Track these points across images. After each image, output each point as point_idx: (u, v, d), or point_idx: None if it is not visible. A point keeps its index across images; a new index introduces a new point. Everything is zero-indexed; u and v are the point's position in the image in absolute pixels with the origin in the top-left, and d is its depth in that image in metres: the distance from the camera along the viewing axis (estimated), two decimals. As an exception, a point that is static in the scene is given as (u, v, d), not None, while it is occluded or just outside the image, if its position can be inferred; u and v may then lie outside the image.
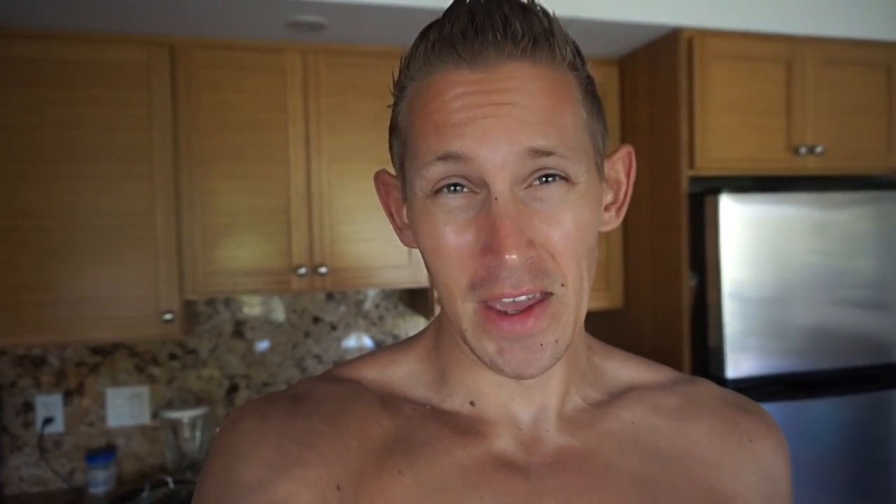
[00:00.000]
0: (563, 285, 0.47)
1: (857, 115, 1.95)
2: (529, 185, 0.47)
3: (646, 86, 1.96)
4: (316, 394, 0.53)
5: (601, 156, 0.52)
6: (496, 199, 0.45)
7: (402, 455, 0.50)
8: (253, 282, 1.80)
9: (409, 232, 0.55)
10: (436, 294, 0.55)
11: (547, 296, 0.47)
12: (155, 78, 1.71)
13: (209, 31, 1.73)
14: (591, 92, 0.51)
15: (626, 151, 0.56)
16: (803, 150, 1.87)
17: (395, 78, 0.52)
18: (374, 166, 2.00)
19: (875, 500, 1.82)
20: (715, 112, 1.80)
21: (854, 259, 1.82)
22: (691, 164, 1.80)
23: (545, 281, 0.46)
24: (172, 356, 2.03)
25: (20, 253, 1.63)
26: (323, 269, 1.82)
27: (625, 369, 0.61)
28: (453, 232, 0.47)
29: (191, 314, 1.91)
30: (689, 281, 1.81)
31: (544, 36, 0.47)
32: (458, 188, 0.47)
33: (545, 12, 0.48)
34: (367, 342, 2.20)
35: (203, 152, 1.76)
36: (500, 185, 0.45)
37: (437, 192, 0.47)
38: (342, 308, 2.18)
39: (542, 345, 0.47)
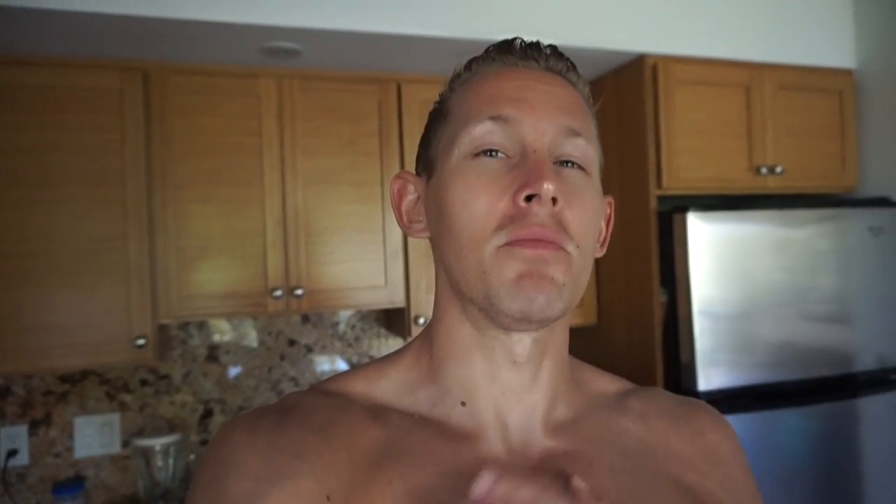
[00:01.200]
0: (578, 247, 0.52)
1: (814, 138, 2.04)
2: (556, 163, 0.53)
3: (614, 109, 2.03)
4: (304, 406, 0.53)
5: (601, 175, 0.60)
6: (534, 151, 0.52)
7: (392, 464, 0.51)
8: (228, 304, 1.78)
9: (419, 224, 0.60)
10: (446, 260, 0.56)
11: (562, 249, 0.51)
12: (128, 103, 1.70)
13: (183, 57, 1.74)
14: (597, 128, 0.60)
15: (607, 202, 0.62)
16: (764, 169, 1.95)
17: (447, 84, 0.61)
18: (350, 189, 2.01)
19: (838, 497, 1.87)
20: (680, 134, 1.87)
21: (816, 275, 1.89)
22: (659, 184, 1.86)
23: (563, 237, 0.51)
24: (144, 382, 1.99)
25: (-12, 279, 1.59)
26: (299, 291, 1.81)
27: (594, 380, 0.65)
28: (487, 182, 0.52)
29: (164, 339, 1.88)
30: (660, 297, 1.85)
31: (572, 68, 0.59)
32: (494, 153, 0.53)
33: (571, 61, 0.60)
34: (342, 365, 2.19)
35: (177, 176, 1.75)
36: (538, 143, 0.52)
37: (475, 155, 0.53)
38: (318, 330, 2.17)
39: (553, 279, 0.50)
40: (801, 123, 2.01)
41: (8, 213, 1.61)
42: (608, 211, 0.62)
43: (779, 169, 1.95)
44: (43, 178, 1.63)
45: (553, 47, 0.59)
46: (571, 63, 0.59)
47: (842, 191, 2.11)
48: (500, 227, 0.50)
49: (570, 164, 0.54)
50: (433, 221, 0.57)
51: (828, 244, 1.91)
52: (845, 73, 2.08)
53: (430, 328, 0.60)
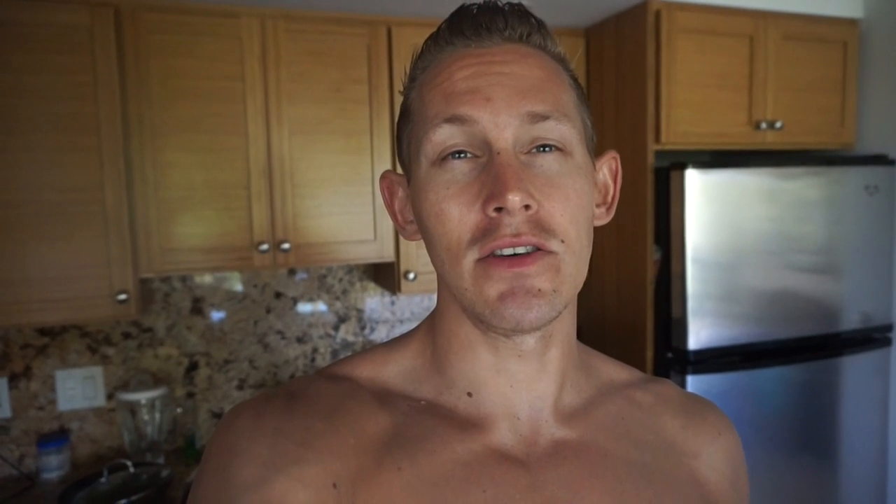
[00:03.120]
0: (563, 241, 0.49)
1: (814, 91, 1.99)
2: (528, 153, 0.50)
3: (612, 58, 1.95)
4: (311, 392, 0.53)
5: (591, 143, 0.56)
6: (498, 153, 0.48)
7: (401, 451, 0.50)
8: (212, 259, 1.73)
9: (412, 226, 0.58)
10: (435, 267, 0.54)
11: (546, 252, 0.48)
12: (99, 42, 1.59)
13: (158, -8, 1.62)
14: (578, 87, 0.56)
15: (611, 156, 0.60)
16: (763, 125, 1.90)
17: (407, 73, 0.57)
18: (338, 138, 1.93)
19: (819, 455, 1.93)
20: (681, 86, 1.80)
21: (804, 224, 1.87)
22: (657, 139, 1.81)
23: (544, 235, 0.48)
24: (127, 335, 1.95)
25: (-44, 232, 1.51)
26: (286, 245, 1.76)
27: (604, 366, 0.64)
28: (456, 192, 0.49)
29: (146, 292, 1.83)
30: (653, 255, 1.83)
31: (537, 29, 0.53)
32: (461, 155, 0.50)
33: (537, 18, 0.55)
34: (323, 308, 2.16)
35: (155, 123, 1.66)
36: (502, 143, 0.49)
37: (443, 159, 0.50)
38: (304, 283, 2.13)
39: (540, 290, 0.47)
40: (803, 76, 1.96)
41: (-26, 161, 1.52)
42: (614, 166, 0.60)
43: (778, 124, 1.91)
44: (10, 124, 1.53)
45: (513, 5, 0.53)
46: (536, 20, 0.54)
47: (839, 147, 2.07)
48: (473, 241, 0.48)
49: (545, 148, 0.50)
50: (418, 224, 0.55)
51: (819, 195, 1.88)
52: (851, 22, 2.01)
53: (434, 318, 0.58)
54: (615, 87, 1.94)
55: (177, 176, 1.68)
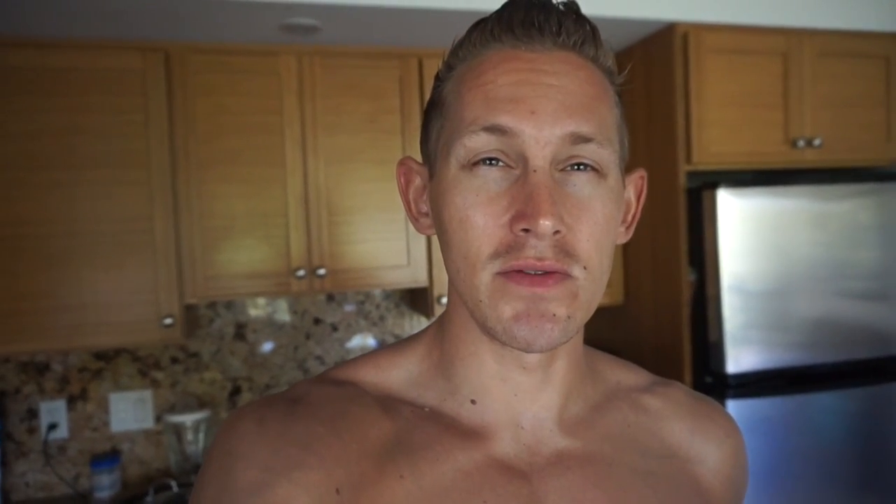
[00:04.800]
0: (585, 268, 0.48)
1: (855, 107, 1.93)
2: (563, 170, 0.48)
3: (642, 81, 1.96)
4: (314, 396, 0.52)
5: (624, 163, 0.54)
6: (534, 171, 0.47)
7: (403, 458, 0.50)
8: (252, 285, 1.80)
9: (426, 220, 0.56)
10: (448, 272, 0.53)
11: (566, 276, 0.47)
12: (151, 84, 1.71)
13: (204, 36, 1.74)
14: (620, 104, 0.54)
15: (639, 175, 0.58)
16: (801, 142, 1.86)
17: (444, 59, 0.55)
18: (371, 167, 1.99)
19: (879, 493, 1.81)
20: (712, 106, 1.79)
21: (856, 250, 1.81)
22: (689, 159, 1.80)
23: (567, 261, 0.47)
24: (175, 360, 2.04)
25: (20, 260, 1.64)
26: (321, 271, 1.82)
27: (611, 370, 0.62)
28: (484, 201, 0.48)
29: (191, 318, 1.92)
30: (688, 276, 1.80)
31: (591, 38, 0.51)
32: (494, 162, 0.48)
33: (592, 24, 0.52)
34: (371, 342, 2.20)
35: (200, 156, 1.76)
36: (540, 161, 0.47)
37: (474, 164, 0.48)
38: (343, 309, 2.18)
39: (555, 315, 0.47)
40: (842, 92, 1.91)
41: (38, 195, 1.65)
42: (640, 184, 0.58)
43: (817, 141, 1.87)
44: (69, 160, 1.66)
45: (569, 5, 0.51)
46: (591, 26, 0.51)
47: (885, 164, 2.00)
48: (496, 255, 0.47)
49: (580, 167, 0.49)
50: (436, 224, 0.54)
51: (869, 219, 1.82)
52: (892, 36, 1.96)
53: (443, 321, 0.57)
54: (646, 110, 1.95)
55: (219, 206, 1.77)
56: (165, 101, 1.72)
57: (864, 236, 1.82)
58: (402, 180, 0.58)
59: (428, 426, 0.52)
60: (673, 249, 1.84)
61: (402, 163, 0.58)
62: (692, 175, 1.83)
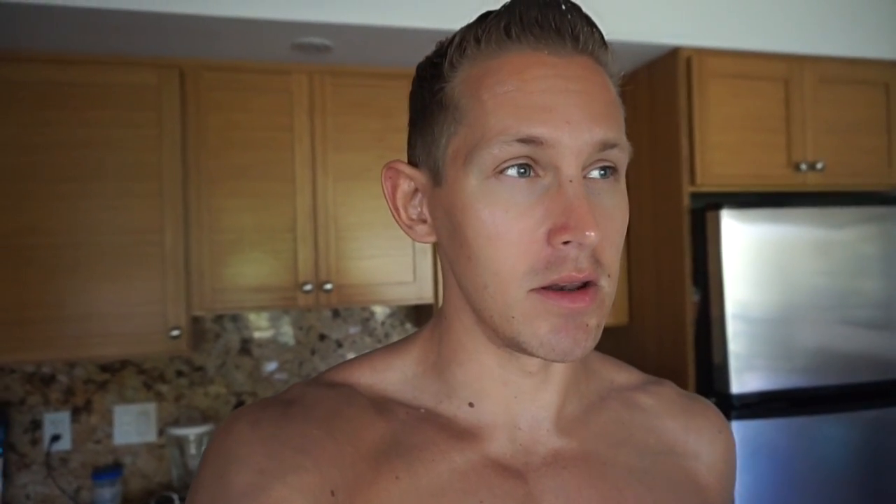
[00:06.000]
0: (609, 276, 0.49)
1: (857, 132, 1.96)
2: (585, 177, 0.48)
3: (646, 104, 1.99)
4: (308, 399, 0.52)
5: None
6: (570, 181, 0.46)
7: (399, 460, 0.50)
8: (259, 298, 1.82)
9: (423, 227, 0.55)
10: (464, 285, 0.52)
11: (597, 286, 0.48)
12: (165, 99, 1.75)
13: (217, 54, 1.78)
14: (624, 110, 0.55)
15: None
16: (804, 166, 1.89)
17: (445, 54, 0.51)
18: (379, 185, 2.02)
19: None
20: (715, 129, 1.82)
21: (859, 279, 1.83)
22: (692, 180, 1.82)
23: (598, 270, 0.47)
24: (180, 373, 2.04)
25: (29, 270, 1.66)
26: (328, 286, 1.84)
27: (604, 368, 0.63)
28: (516, 216, 0.47)
29: (198, 331, 1.93)
30: (692, 297, 1.81)
31: (602, 43, 0.51)
32: (524, 171, 0.47)
33: (598, 27, 0.52)
34: (365, 350, 2.20)
35: (211, 171, 1.79)
36: (574, 169, 0.46)
37: (500, 172, 0.47)
38: (348, 325, 2.19)
39: (588, 325, 0.47)
40: (844, 118, 1.94)
41: (51, 205, 1.67)
42: None
43: (819, 165, 1.89)
44: (82, 172, 1.69)
45: (574, 5, 0.50)
46: (600, 32, 0.51)
47: (887, 188, 2.03)
48: (533, 272, 0.46)
49: (603, 173, 0.49)
50: (444, 234, 0.52)
51: (873, 246, 1.84)
52: (892, 64, 2.00)
53: (439, 324, 0.57)
54: (650, 132, 1.98)
55: (229, 219, 1.80)
56: (179, 117, 1.76)
57: (866, 263, 1.84)
58: (388, 185, 0.55)
59: (423, 427, 0.52)
60: (677, 270, 1.86)
61: (389, 167, 0.55)
62: (696, 196, 1.85)
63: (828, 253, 1.80)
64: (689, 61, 1.82)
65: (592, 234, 0.44)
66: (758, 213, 1.74)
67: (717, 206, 1.72)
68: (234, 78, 1.81)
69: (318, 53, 1.78)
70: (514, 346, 0.49)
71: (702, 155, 1.81)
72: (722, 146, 1.83)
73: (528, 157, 0.47)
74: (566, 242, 0.45)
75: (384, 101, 1.90)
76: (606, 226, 0.48)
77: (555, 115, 0.46)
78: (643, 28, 1.78)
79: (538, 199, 0.47)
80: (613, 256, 0.49)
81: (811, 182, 1.91)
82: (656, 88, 1.94)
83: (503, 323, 0.48)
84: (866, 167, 1.98)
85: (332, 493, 0.46)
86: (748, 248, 1.73)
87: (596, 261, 0.47)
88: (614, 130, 0.48)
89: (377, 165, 1.88)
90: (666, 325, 1.93)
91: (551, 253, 0.46)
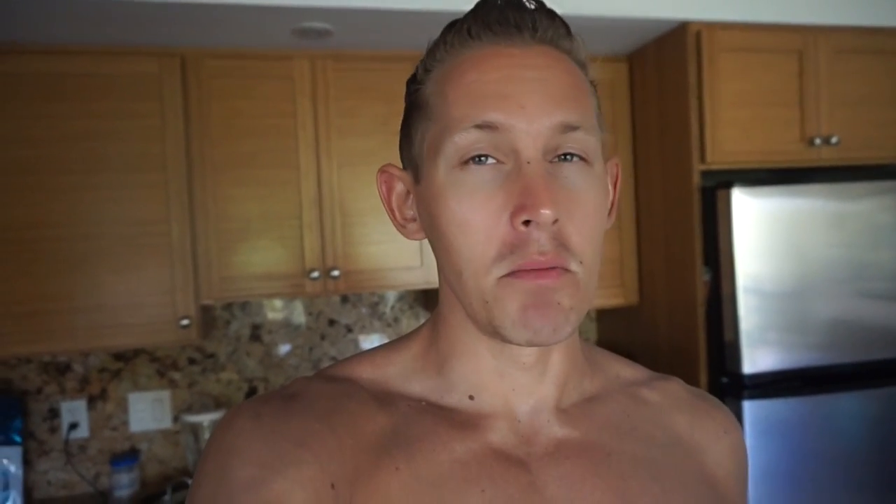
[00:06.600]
0: (581, 263, 0.49)
1: (872, 105, 1.91)
2: (552, 161, 0.49)
3: (655, 81, 1.95)
4: (310, 393, 0.53)
5: (604, 150, 0.55)
6: (528, 163, 0.48)
7: (399, 451, 0.50)
8: (267, 286, 1.82)
9: (413, 225, 0.57)
10: (446, 275, 0.55)
11: (566, 270, 0.48)
12: (167, 88, 1.74)
13: (218, 41, 1.76)
14: (596, 93, 0.55)
15: (613, 163, 0.59)
16: (818, 140, 1.84)
17: (421, 63, 0.55)
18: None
19: (900, 495, 1.79)
20: (725, 105, 1.78)
21: (875, 251, 1.79)
22: (703, 158, 1.78)
23: (566, 255, 0.48)
24: (192, 361, 2.07)
25: (40, 263, 1.67)
26: (335, 272, 1.83)
27: (609, 364, 0.63)
28: (481, 201, 0.48)
29: (208, 319, 1.94)
30: (703, 276, 1.79)
31: (564, 32, 0.52)
32: (484, 159, 0.49)
33: (562, 19, 0.53)
34: (375, 335, 2.21)
35: (215, 160, 1.79)
36: (533, 152, 0.48)
37: (465, 163, 0.49)
38: (358, 310, 2.20)
39: (559, 304, 0.47)
40: (859, 90, 1.89)
41: (58, 198, 1.68)
42: (615, 171, 0.59)
43: (834, 139, 1.84)
44: (88, 164, 1.70)
45: (539, 3, 0.52)
46: (564, 23, 0.53)
47: (905, 161, 1.98)
48: (500, 257, 0.48)
49: (568, 157, 0.50)
50: (427, 228, 0.54)
51: (887, 218, 1.79)
52: (911, 33, 1.93)
53: (437, 319, 0.58)
54: (659, 110, 1.94)
55: (234, 208, 1.80)
56: (181, 106, 1.75)
57: (882, 236, 1.80)
58: (384, 188, 0.58)
59: (424, 419, 0.53)
60: (687, 249, 1.83)
61: (382, 170, 0.58)
62: (706, 174, 1.82)
63: (842, 226, 1.76)
64: (698, 36, 1.77)
65: (547, 211, 0.45)
66: (770, 191, 1.71)
67: (729, 185, 1.69)
68: (235, 65, 1.80)
69: (319, 38, 1.75)
70: (493, 333, 0.50)
71: (712, 132, 1.77)
72: (733, 123, 1.79)
73: (489, 145, 0.48)
74: (526, 223, 0.46)
75: (387, 85, 1.88)
76: (571, 208, 0.48)
77: (510, 102, 0.48)
78: (650, 3, 1.73)
79: (501, 184, 0.48)
80: (584, 241, 0.49)
81: (826, 157, 1.87)
82: (665, 65, 1.89)
83: (480, 309, 0.49)
84: (882, 140, 1.92)
85: (333, 487, 0.46)
86: (760, 225, 1.70)
87: (561, 245, 0.47)
88: (576, 113, 0.49)
89: (382, 150, 1.87)
90: (677, 305, 1.91)
91: (515, 236, 0.47)
